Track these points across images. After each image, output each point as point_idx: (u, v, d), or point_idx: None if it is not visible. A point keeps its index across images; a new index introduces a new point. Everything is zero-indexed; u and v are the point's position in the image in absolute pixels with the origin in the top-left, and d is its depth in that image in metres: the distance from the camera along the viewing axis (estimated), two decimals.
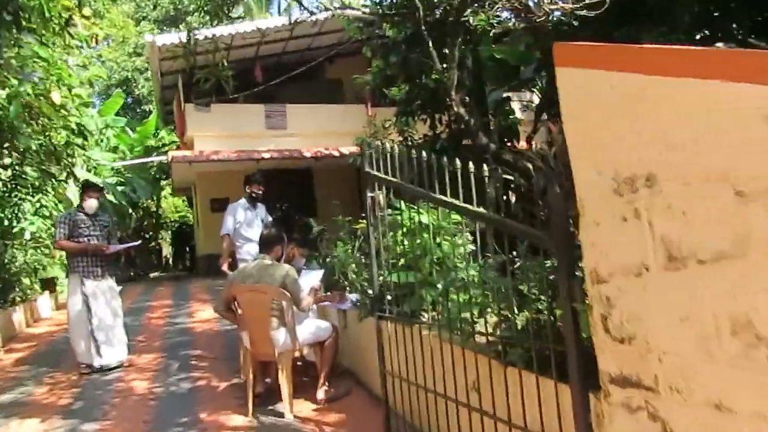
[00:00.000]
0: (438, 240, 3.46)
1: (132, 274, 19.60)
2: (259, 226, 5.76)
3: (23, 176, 6.64)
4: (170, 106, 16.55)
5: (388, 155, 3.31)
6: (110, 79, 22.24)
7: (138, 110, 23.24)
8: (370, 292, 3.65)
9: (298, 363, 4.12)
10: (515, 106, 10.63)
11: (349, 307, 4.36)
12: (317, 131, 14.14)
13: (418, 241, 3.27)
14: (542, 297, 2.12)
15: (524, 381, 2.12)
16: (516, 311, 2.24)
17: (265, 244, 3.90)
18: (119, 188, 17.32)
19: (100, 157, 16.02)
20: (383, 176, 3.26)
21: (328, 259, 5.39)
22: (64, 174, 6.95)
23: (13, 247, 8.03)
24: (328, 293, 4.90)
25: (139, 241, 6.74)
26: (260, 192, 5.94)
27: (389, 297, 3.33)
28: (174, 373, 4.84)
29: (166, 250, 26.90)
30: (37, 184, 6.90)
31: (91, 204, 5.18)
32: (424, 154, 2.88)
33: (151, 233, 23.18)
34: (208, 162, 12.23)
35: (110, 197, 16.37)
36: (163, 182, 20.49)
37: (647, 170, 1.53)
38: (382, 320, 3.29)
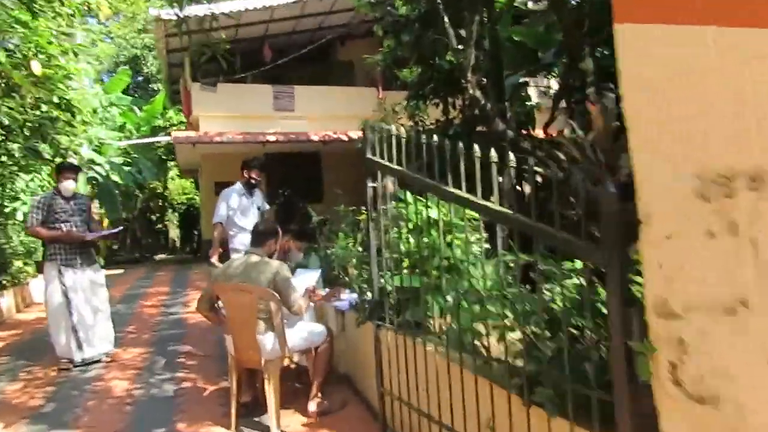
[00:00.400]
0: (449, 239, 3.02)
1: (137, 255, 19.39)
2: (255, 215, 5.35)
3: (10, 153, 6.23)
4: (177, 85, 16.15)
5: (394, 140, 2.87)
6: (119, 57, 21.85)
7: (147, 89, 22.83)
8: (369, 294, 3.22)
9: (291, 366, 3.72)
10: (531, 92, 10.12)
11: (348, 307, 3.94)
12: (326, 114, 13.67)
13: (426, 239, 2.83)
14: (583, 323, 1.67)
15: (553, 428, 1.68)
16: (546, 337, 1.80)
17: (257, 238, 3.47)
18: (125, 168, 17.01)
19: (104, 135, 15.72)
20: (387, 164, 2.81)
21: (329, 252, 4.97)
22: (51, 151, 6.52)
23: (6, 228, 7.69)
24: (327, 290, 4.51)
25: (120, 228, 6.27)
26: (258, 179, 5.50)
27: (390, 302, 2.90)
28: (158, 372, 4.46)
29: (174, 233, 26.67)
30: (23, 162, 6.49)
31: (68, 186, 4.75)
32: (435, 138, 2.42)
33: (157, 215, 22.94)
34: (212, 144, 11.82)
35: (115, 177, 16.08)
36: (170, 163, 20.16)
37: (753, 165, 1.07)
38: (381, 329, 2.87)
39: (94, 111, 15.34)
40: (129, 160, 17.41)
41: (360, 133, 11.31)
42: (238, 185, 5.44)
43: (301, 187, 13.99)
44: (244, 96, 13.75)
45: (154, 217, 23.10)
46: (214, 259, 5.02)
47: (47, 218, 4.64)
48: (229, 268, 3.36)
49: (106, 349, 4.84)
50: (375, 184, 3.06)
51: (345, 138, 12.27)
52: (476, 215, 3.11)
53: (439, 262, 2.77)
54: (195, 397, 3.87)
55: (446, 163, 2.34)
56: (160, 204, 22.09)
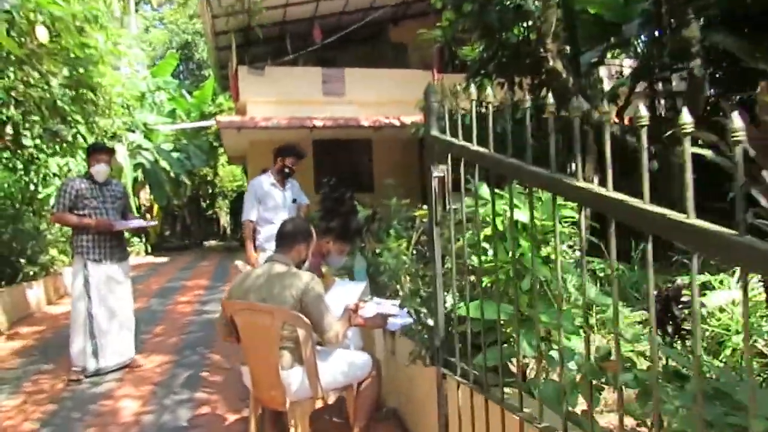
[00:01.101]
0: (546, 251, 2.16)
1: (186, 242, 19.31)
2: (288, 209, 4.64)
3: (34, 135, 5.73)
4: (226, 70, 15.74)
5: (467, 115, 2.05)
6: (171, 43, 21.78)
7: (198, 75, 22.72)
8: (430, 323, 2.40)
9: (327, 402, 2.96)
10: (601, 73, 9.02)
11: (400, 327, 3.14)
12: (377, 99, 12.87)
13: (512, 251, 1.99)
14: None
15: None
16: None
17: (283, 240, 2.71)
18: (174, 155, 16.83)
19: (152, 120, 15.52)
20: (460, 143, 1.98)
21: (378, 253, 4.18)
22: (71, 134, 6.02)
23: (40, 215, 7.32)
24: (375, 301, 3.73)
25: (153, 222, 5.64)
26: (293, 168, 4.74)
27: (459, 336, 2.08)
28: (176, 390, 3.82)
29: (224, 219, 26.70)
30: (42, 145, 6.01)
31: (100, 170, 4.19)
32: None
33: (207, 201, 22.87)
34: (257, 129, 11.25)
35: (164, 164, 15.89)
36: (221, 150, 19.93)
37: None
38: (449, 380, 2.05)
39: (142, 95, 15.16)
40: (177, 147, 17.25)
41: (415, 118, 10.48)
42: (267, 174, 4.77)
43: (350, 176, 13.27)
44: (293, 80, 13.13)
45: (204, 204, 23.03)
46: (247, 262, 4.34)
47: (75, 204, 4.09)
48: (246, 279, 2.61)
49: (124, 359, 4.25)
50: (440, 173, 2.23)
51: (397, 123, 11.45)
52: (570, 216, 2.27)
53: (532, 284, 1.92)
54: (211, 430, 3.18)
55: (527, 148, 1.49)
56: (210, 191, 21.94)
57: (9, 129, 5.33)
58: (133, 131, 14.71)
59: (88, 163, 4.29)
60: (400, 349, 3.07)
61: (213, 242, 24.35)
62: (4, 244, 6.36)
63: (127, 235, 4.63)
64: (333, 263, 3.59)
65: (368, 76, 13.25)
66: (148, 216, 13.84)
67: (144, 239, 15.96)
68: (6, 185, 6.74)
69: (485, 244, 2.22)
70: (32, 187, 7.13)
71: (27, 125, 5.44)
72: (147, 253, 15.16)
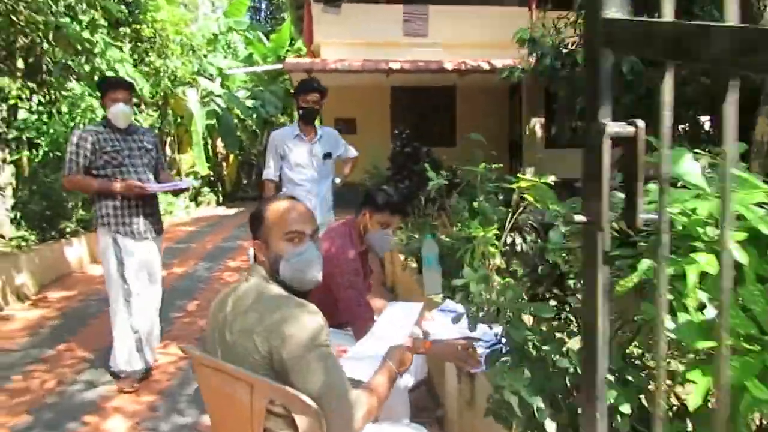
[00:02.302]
0: None
1: (260, 193, 18.95)
2: (318, 167, 3.74)
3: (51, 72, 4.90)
4: (302, 11, 14.65)
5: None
6: None
7: (277, 17, 21.80)
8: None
9: None
10: None
11: (482, 370, 1.97)
12: (465, 41, 11.29)
13: None
14: None
15: None
16: None
17: (252, 227, 1.60)
18: (248, 102, 16.18)
19: (225, 65, 14.85)
20: None
21: (453, 237, 3.00)
22: (87, 67, 5.16)
23: None
24: (447, 313, 2.63)
25: (197, 181, 4.34)
26: (316, 106, 3.71)
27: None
28: (179, 408, 2.92)
29: None
30: (57, 83, 5.21)
31: (118, 112, 3.13)
32: None
33: None
34: (326, 72, 10.12)
35: (237, 112, 15.29)
36: None
37: None
38: None
39: (215, 37, 14.43)
40: (252, 94, 16.57)
41: (507, 61, 8.91)
42: (293, 125, 3.85)
43: (429, 127, 11.98)
44: (371, 19, 11.79)
45: None
46: None
47: (93, 162, 3.12)
48: (228, 299, 1.52)
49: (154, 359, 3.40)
50: (624, 130, 0.97)
51: (486, 67, 9.90)
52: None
53: None
54: None
55: None
56: None
57: (20, 63, 4.60)
58: (210, 77, 14.12)
59: (103, 104, 3.27)
60: (481, 390, 1.93)
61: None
62: (50, 196, 5.83)
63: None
64: (376, 245, 2.44)
65: (455, 14, 11.63)
66: (198, 172, 13.07)
67: (219, 188, 15.66)
68: (51, 131, 6.14)
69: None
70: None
71: (34, 56, 4.57)
72: (218, 203, 14.81)
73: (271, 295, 1.42)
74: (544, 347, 1.36)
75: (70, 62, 4.91)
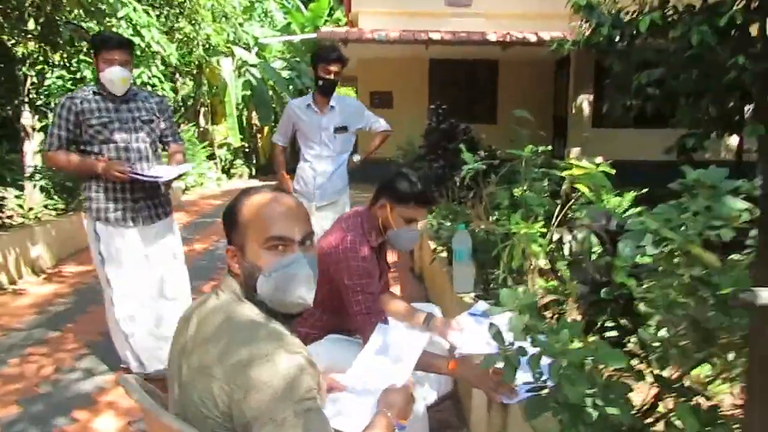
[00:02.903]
0: None
1: (294, 165, 18.70)
2: (326, 140, 3.42)
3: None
4: None
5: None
6: None
7: None
8: None
9: None
10: None
11: (519, 401, 1.59)
12: (510, 11, 10.61)
13: None
14: None
15: None
16: None
17: (225, 225, 1.23)
18: (284, 73, 15.85)
19: (260, 34, 14.51)
20: None
21: (490, 231, 2.59)
22: (98, 29, 4.84)
23: None
24: (478, 318, 2.26)
25: (189, 166, 3.10)
26: (334, 77, 3.34)
27: None
28: None
29: None
30: (68, 47, 4.92)
31: (113, 75, 2.62)
32: None
33: None
34: (361, 42, 9.66)
35: (272, 83, 14.99)
36: None
37: None
38: None
39: (251, 4, 14.07)
40: (289, 64, 16.22)
41: (555, 33, 8.26)
42: (307, 96, 3.55)
43: (469, 103, 11.41)
44: None
45: None
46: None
47: (79, 136, 2.67)
48: (187, 318, 1.19)
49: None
50: None
51: (533, 39, 9.24)
52: None
53: None
54: None
55: None
56: None
57: (31, 24, 4.34)
58: (245, 46, 13.83)
59: (96, 66, 2.70)
60: (515, 419, 1.56)
61: None
62: None
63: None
64: (399, 243, 2.06)
65: None
66: (231, 143, 12.74)
67: (253, 160, 15.49)
68: None
69: None
70: None
71: (44, 16, 4.26)
72: (251, 176, 14.65)
73: (240, 322, 1.07)
74: (609, 409, 0.97)
75: (81, 24, 4.64)
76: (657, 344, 1.18)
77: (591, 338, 1.29)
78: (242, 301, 1.12)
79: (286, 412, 0.95)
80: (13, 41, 5.24)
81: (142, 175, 2.67)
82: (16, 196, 6.94)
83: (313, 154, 3.44)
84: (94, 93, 2.71)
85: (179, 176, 2.94)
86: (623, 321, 1.23)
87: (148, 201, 2.80)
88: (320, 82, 3.34)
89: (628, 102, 5.93)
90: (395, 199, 1.95)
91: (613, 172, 2.05)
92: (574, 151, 8.67)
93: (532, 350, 1.03)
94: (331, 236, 2.01)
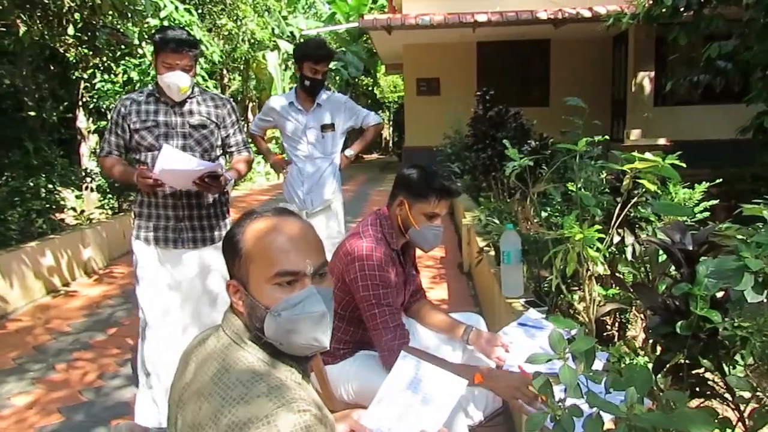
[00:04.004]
0: None
1: None
2: (313, 140, 3.18)
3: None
4: None
5: None
6: None
7: None
8: None
9: None
10: None
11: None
12: None
13: None
14: None
15: None
16: None
17: (224, 249, 1.05)
18: (330, 65, 15.79)
19: (304, 26, 14.48)
20: None
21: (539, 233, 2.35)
22: (134, 29, 4.81)
23: None
24: (530, 330, 2.06)
25: (221, 164, 2.45)
26: (318, 77, 3.10)
27: None
28: None
29: (386, 132, 25.79)
30: (105, 49, 4.94)
31: (171, 81, 2.27)
32: None
33: None
34: (405, 28, 9.40)
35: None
36: None
37: None
38: None
39: None
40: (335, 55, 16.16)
41: (612, 6, 7.73)
42: (289, 93, 3.30)
43: (520, 86, 10.96)
44: None
45: None
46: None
47: (129, 143, 2.37)
48: (187, 356, 1.05)
49: None
50: None
51: (587, 14, 8.72)
52: None
53: None
54: None
55: None
56: (369, 102, 20.89)
57: (71, 29, 4.39)
58: (290, 39, 13.83)
59: (155, 67, 2.35)
60: None
61: (374, 155, 23.75)
62: None
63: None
64: (422, 242, 1.87)
65: None
66: (278, 137, 12.75)
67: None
68: None
69: None
70: None
71: (82, 20, 4.27)
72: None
73: (237, 373, 0.91)
74: None
75: (118, 26, 4.68)
76: (747, 394, 0.95)
77: (662, 380, 1.06)
78: (244, 344, 0.97)
79: None
80: (63, 47, 5.37)
81: (167, 172, 2.19)
82: (77, 197, 7.19)
83: (300, 156, 3.19)
84: (149, 94, 2.39)
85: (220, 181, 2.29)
86: (705, 361, 1.00)
87: (195, 222, 2.39)
88: (306, 82, 3.07)
89: (695, 78, 5.44)
90: (412, 196, 1.81)
91: (684, 165, 1.78)
92: (634, 133, 8.13)
93: (588, 410, 0.82)
94: (347, 243, 1.86)
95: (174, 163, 2.19)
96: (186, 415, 0.92)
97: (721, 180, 2.96)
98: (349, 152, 3.39)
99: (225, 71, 11.33)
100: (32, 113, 6.29)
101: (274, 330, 0.95)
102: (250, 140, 2.88)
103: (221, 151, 2.50)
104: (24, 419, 2.58)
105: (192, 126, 2.36)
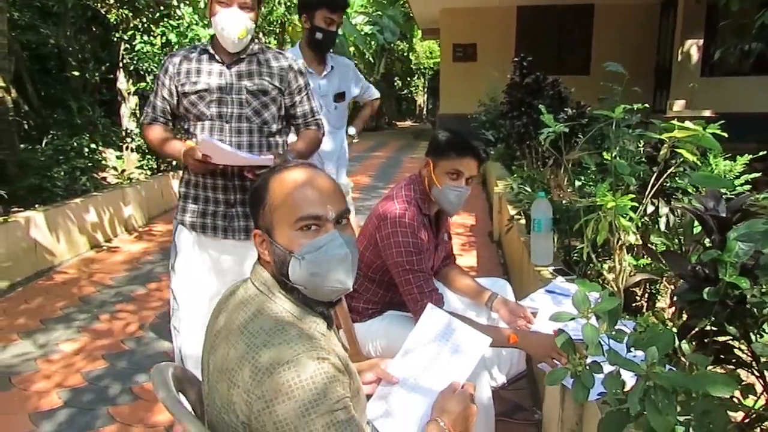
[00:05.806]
0: None
1: (374, 123, 18.61)
2: (324, 110, 2.70)
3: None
4: None
5: None
6: None
7: None
8: None
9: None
10: None
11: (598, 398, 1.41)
12: None
13: None
14: None
15: None
16: None
17: (250, 208, 1.12)
18: (366, 28, 15.59)
19: None
20: None
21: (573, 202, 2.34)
22: None
23: None
24: (556, 297, 2.07)
25: (271, 156, 1.87)
26: (331, 28, 2.60)
27: None
28: None
29: (420, 99, 25.50)
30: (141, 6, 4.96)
31: (225, 20, 1.86)
32: None
33: (401, 80, 21.66)
34: None
35: (352, 39, 14.80)
36: None
37: None
38: None
39: None
40: (370, 19, 15.91)
41: None
42: (297, 47, 2.79)
43: (561, 53, 10.64)
44: None
45: (399, 82, 21.95)
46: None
47: (180, 109, 1.99)
48: (221, 305, 1.11)
49: None
50: None
51: None
52: None
53: None
54: None
55: None
56: (404, 68, 20.61)
57: None
58: None
59: (209, 7, 1.96)
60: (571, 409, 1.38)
61: (408, 123, 23.58)
62: None
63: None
64: (444, 203, 1.87)
65: None
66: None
67: None
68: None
69: None
70: None
71: None
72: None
73: (264, 321, 0.97)
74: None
75: None
76: None
77: (686, 345, 1.07)
78: (272, 294, 1.02)
79: (313, 425, 0.85)
80: (104, 8, 5.46)
81: (229, 157, 1.84)
82: (117, 157, 7.41)
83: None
84: (202, 51, 1.97)
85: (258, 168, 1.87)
86: (731, 328, 1.00)
87: (248, 208, 1.87)
88: (317, 35, 2.58)
89: (747, 46, 5.19)
90: (435, 154, 1.85)
91: (725, 135, 1.73)
92: (678, 104, 7.84)
93: (609, 367, 0.85)
94: (379, 206, 1.89)
95: (215, 153, 1.81)
96: (216, 360, 0.98)
97: (765, 153, 2.85)
98: (352, 130, 3.05)
99: (261, 34, 11.32)
100: (75, 74, 6.47)
101: (299, 274, 0.99)
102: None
103: (285, 123, 2.08)
104: (71, 364, 2.75)
105: (250, 92, 1.94)
